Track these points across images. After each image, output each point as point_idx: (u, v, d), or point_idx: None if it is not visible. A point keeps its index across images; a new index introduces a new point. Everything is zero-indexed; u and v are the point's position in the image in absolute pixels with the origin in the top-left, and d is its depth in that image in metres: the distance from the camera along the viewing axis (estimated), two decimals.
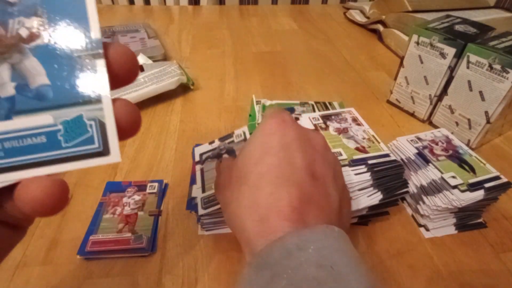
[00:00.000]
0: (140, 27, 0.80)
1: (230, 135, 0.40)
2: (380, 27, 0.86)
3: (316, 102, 0.56)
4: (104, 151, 0.15)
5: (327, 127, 0.41)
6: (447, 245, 0.37)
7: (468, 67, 0.47)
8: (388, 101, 0.61)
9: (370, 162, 0.36)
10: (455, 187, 0.35)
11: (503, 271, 0.35)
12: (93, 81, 0.15)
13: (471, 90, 0.48)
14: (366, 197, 0.35)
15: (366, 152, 0.37)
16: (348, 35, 0.89)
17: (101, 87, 0.15)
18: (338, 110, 0.45)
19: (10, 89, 0.15)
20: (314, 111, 0.54)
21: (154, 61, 0.66)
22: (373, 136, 0.40)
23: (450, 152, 0.40)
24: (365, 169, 0.35)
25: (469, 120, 0.49)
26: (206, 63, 0.72)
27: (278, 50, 0.79)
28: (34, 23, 0.15)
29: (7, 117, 0.15)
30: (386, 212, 0.39)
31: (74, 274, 0.33)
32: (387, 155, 0.37)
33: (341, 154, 0.37)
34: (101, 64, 0.15)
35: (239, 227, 0.23)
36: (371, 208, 0.36)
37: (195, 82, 0.63)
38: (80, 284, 0.32)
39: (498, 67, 0.44)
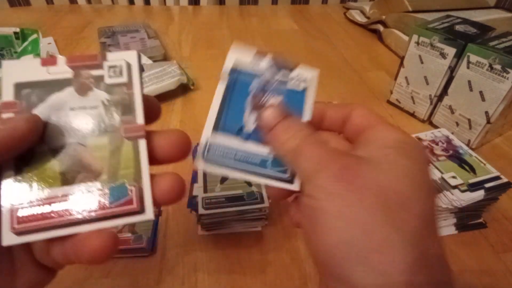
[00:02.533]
0: (140, 27, 0.80)
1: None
2: (380, 27, 0.86)
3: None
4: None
5: None
6: (447, 245, 0.37)
7: (468, 67, 0.47)
8: (388, 101, 0.61)
9: None
10: (455, 187, 0.35)
11: (503, 271, 0.35)
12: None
13: (471, 90, 0.48)
14: None
15: None
16: (348, 35, 0.89)
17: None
18: None
19: None
20: None
21: (154, 61, 0.66)
22: None
23: (450, 152, 0.40)
24: None
25: (469, 120, 0.49)
26: (206, 63, 0.72)
27: (278, 50, 0.79)
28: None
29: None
30: None
31: (74, 274, 0.33)
32: None
33: None
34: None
35: (360, 257, 0.15)
36: None
37: (195, 82, 0.63)
38: (80, 284, 0.32)
39: (498, 67, 0.43)
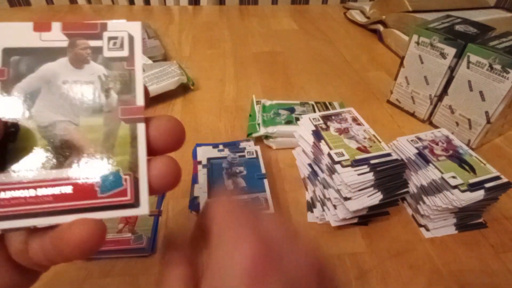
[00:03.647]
0: None
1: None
2: (380, 27, 0.86)
3: (316, 102, 0.56)
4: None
5: (327, 128, 0.41)
6: (447, 245, 0.37)
7: (468, 67, 0.47)
8: (388, 101, 0.61)
9: (372, 162, 0.36)
10: (455, 187, 0.35)
11: (503, 271, 0.35)
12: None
13: (471, 90, 0.48)
14: (366, 197, 0.35)
15: (368, 152, 0.37)
16: (348, 35, 0.89)
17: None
18: (338, 110, 0.45)
19: None
20: (314, 111, 0.54)
21: (154, 61, 0.66)
22: (373, 135, 0.40)
23: (450, 152, 0.40)
24: (368, 169, 0.35)
25: (469, 120, 0.49)
26: (206, 63, 0.72)
27: (278, 50, 0.79)
28: None
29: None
30: (386, 212, 0.39)
31: (74, 274, 0.33)
32: (389, 155, 0.37)
33: (343, 155, 0.37)
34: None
35: None
36: (371, 208, 0.36)
37: (195, 82, 0.63)
38: (80, 284, 0.32)
39: (498, 67, 0.44)
